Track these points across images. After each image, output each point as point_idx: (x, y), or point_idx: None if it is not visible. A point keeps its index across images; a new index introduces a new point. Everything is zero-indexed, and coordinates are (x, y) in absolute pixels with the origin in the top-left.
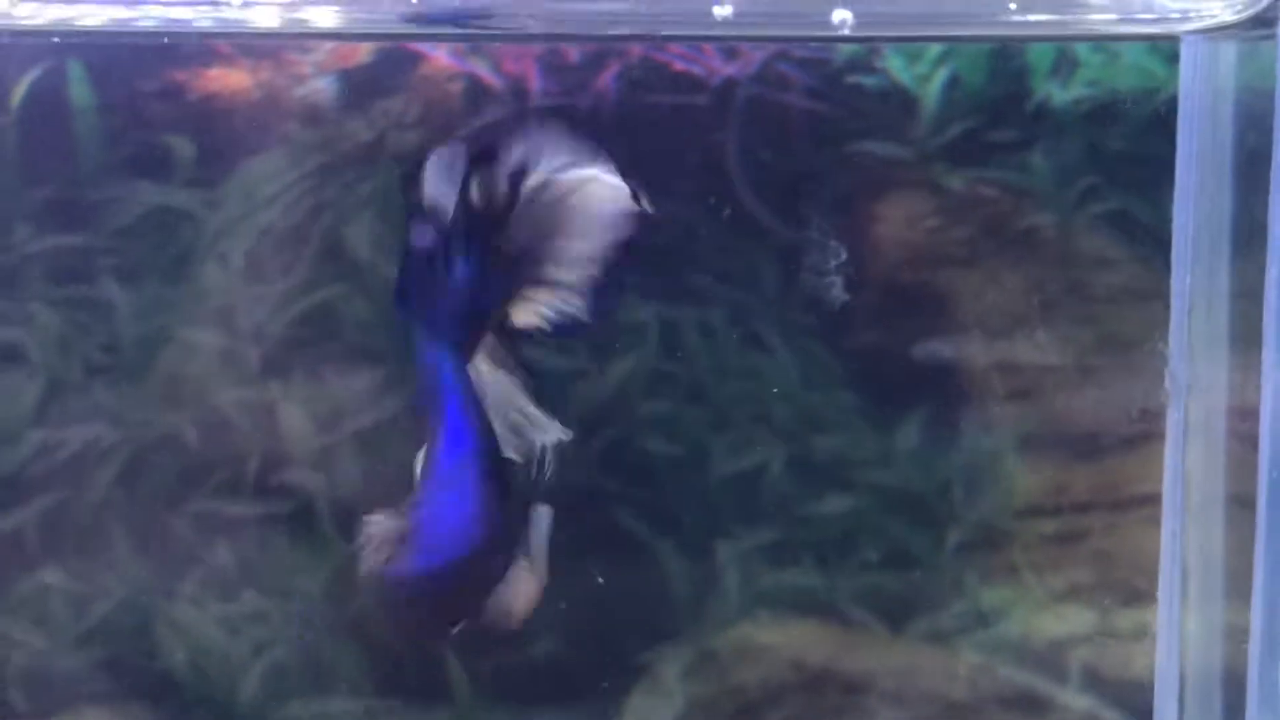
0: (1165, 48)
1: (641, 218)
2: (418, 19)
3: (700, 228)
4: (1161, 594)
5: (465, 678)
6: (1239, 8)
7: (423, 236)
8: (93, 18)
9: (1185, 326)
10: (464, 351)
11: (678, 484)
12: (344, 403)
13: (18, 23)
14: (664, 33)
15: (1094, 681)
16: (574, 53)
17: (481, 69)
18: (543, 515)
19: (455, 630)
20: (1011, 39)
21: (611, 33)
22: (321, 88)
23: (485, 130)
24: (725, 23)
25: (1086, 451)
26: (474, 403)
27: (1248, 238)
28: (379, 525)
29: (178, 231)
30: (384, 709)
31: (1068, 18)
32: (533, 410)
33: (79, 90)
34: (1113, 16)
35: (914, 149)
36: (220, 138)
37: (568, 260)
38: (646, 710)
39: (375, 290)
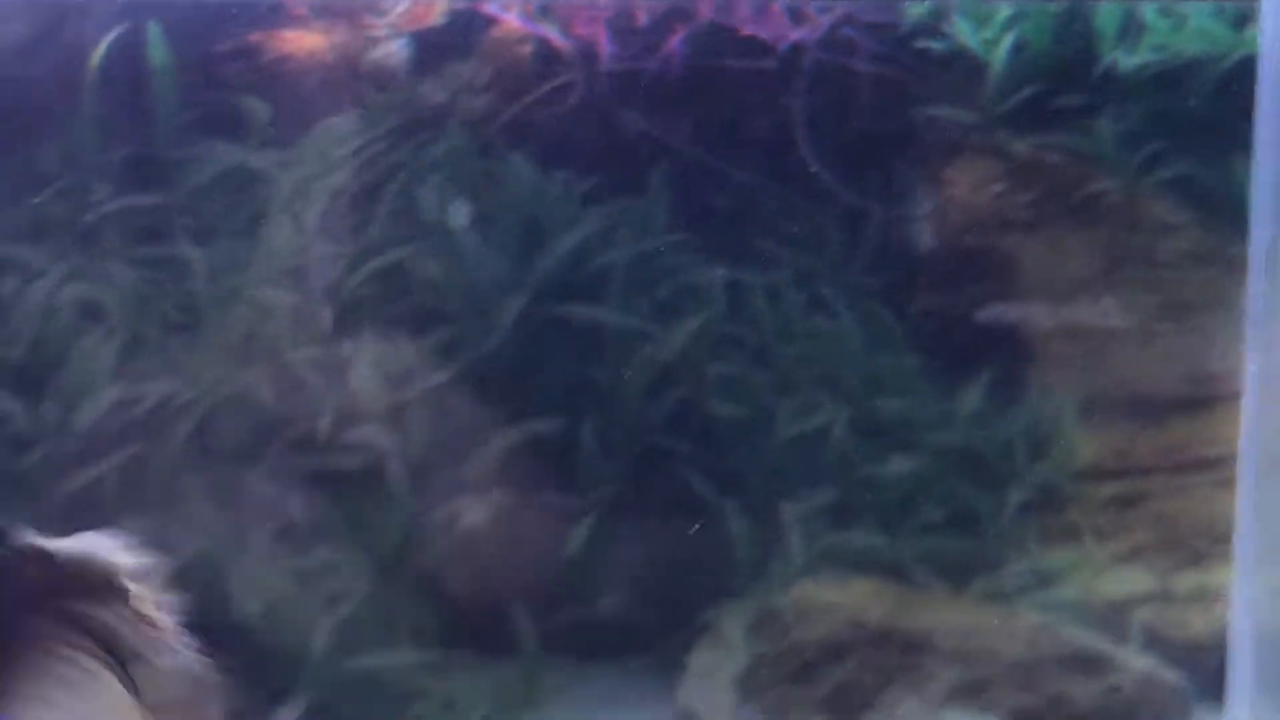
0: (1231, 11)
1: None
2: None
3: (766, 192)
4: (1236, 552)
5: (532, 631)
6: None
7: None
8: None
9: (1263, 284)
10: None
11: (743, 445)
12: (414, 361)
13: None
14: None
15: (1154, 641)
16: (643, 16)
17: (551, 32)
18: None
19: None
20: (1080, 1)
21: None
22: (394, 50)
23: None
24: None
25: (1149, 415)
26: None
27: None
28: None
29: (252, 191)
30: (453, 661)
31: None
32: None
33: (157, 52)
34: None
35: (980, 114)
36: (294, 99)
37: None
38: (710, 666)
39: (445, 251)
